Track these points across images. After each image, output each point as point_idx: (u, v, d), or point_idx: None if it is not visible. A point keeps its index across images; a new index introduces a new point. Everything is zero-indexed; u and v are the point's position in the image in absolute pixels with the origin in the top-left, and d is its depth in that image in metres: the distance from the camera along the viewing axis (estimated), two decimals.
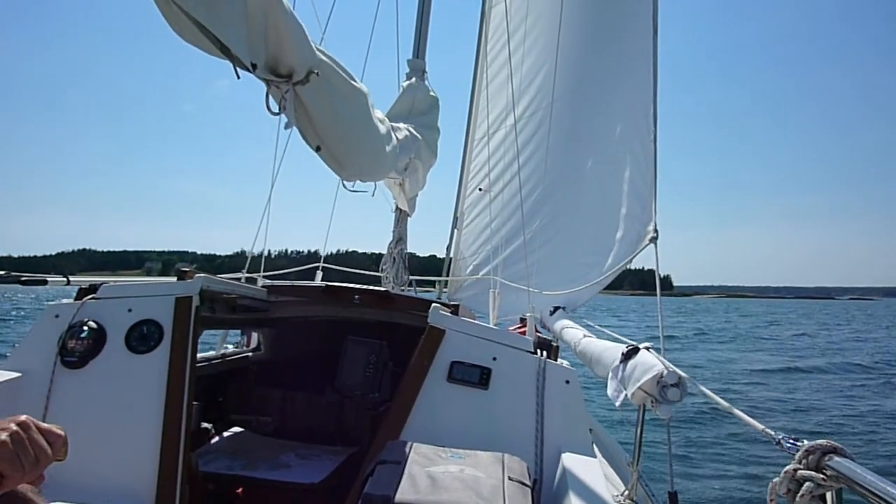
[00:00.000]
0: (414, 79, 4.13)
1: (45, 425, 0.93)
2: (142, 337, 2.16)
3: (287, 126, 2.08)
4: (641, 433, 2.24)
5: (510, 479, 1.58)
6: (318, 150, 2.34)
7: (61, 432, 0.95)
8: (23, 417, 0.91)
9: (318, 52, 2.00)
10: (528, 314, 2.93)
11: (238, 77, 1.68)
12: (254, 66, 1.71)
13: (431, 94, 4.12)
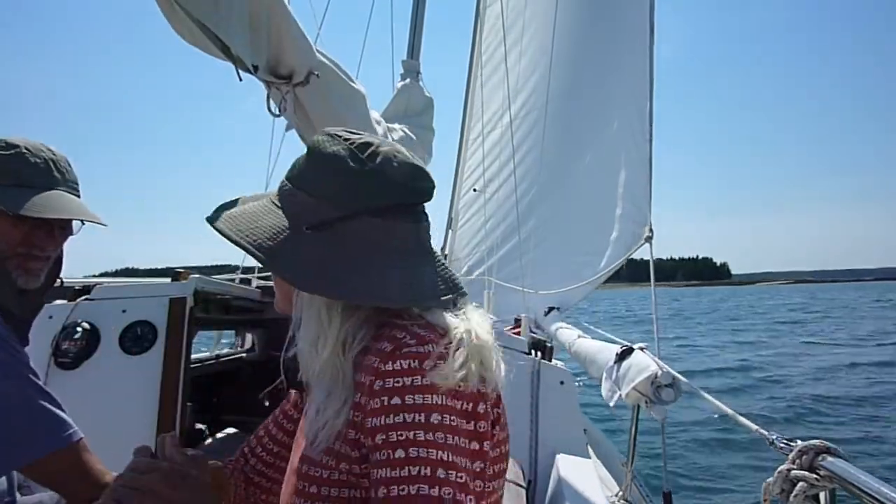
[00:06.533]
0: (408, 79, 4.11)
1: None
2: (136, 338, 2.15)
3: (288, 128, 2.07)
4: (636, 433, 2.25)
5: (505, 479, 1.58)
6: None
7: None
8: None
9: (317, 54, 1.99)
10: (523, 315, 2.93)
11: (240, 79, 1.67)
12: (255, 67, 1.69)
13: (426, 94, 4.11)
